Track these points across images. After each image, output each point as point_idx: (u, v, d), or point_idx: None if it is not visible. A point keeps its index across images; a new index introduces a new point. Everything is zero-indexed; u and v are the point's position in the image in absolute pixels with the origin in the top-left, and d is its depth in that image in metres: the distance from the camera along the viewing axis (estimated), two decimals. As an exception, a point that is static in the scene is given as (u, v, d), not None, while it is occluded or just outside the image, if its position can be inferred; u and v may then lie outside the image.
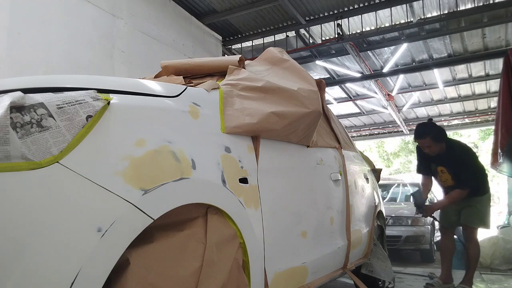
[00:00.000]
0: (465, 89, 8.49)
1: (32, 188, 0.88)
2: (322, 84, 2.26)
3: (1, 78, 2.67)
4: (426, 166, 3.53)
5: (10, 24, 3.07)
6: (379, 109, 9.52)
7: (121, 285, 0.98)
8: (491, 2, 5.10)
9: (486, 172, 3.48)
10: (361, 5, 5.27)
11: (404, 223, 5.90)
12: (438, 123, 3.67)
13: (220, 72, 1.92)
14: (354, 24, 5.75)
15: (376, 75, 7.04)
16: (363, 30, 5.76)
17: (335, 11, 5.43)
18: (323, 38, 6.08)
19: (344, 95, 8.71)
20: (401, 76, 7.59)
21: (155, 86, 1.37)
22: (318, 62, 6.70)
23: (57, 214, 0.89)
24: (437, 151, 3.30)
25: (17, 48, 3.10)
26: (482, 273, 4.47)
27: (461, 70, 7.44)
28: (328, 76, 7.43)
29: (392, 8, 5.29)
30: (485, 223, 3.35)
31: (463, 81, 7.84)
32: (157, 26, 4.70)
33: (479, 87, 8.33)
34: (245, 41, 6.30)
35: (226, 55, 6.16)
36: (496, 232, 5.82)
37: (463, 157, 3.29)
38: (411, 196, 3.57)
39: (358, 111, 9.92)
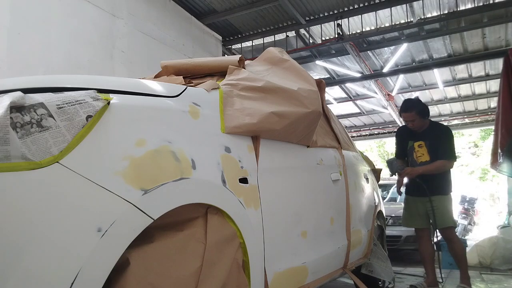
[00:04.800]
0: (465, 89, 8.48)
1: (32, 188, 0.88)
2: (322, 84, 2.26)
3: (1, 78, 2.67)
4: (403, 148, 3.56)
5: (10, 24, 3.07)
6: (379, 109, 9.52)
7: (121, 285, 0.98)
8: (491, 2, 5.10)
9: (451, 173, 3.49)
10: (361, 5, 5.27)
11: (404, 223, 5.89)
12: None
13: (220, 72, 1.92)
14: (354, 24, 5.75)
15: (376, 75, 7.04)
16: (363, 30, 5.76)
17: (335, 11, 5.43)
18: (323, 38, 6.08)
19: (344, 95, 8.71)
20: (401, 76, 7.59)
21: (155, 86, 1.37)
22: (318, 62, 6.71)
23: (57, 214, 0.89)
24: (420, 126, 3.37)
25: (17, 48, 3.10)
26: (482, 273, 4.46)
27: (461, 70, 7.44)
28: (328, 76, 7.43)
29: (392, 8, 5.29)
30: (455, 221, 3.42)
31: (463, 81, 7.84)
32: (157, 26, 4.70)
33: (479, 87, 8.32)
34: (245, 41, 6.30)
35: (226, 55, 6.16)
36: (496, 232, 5.82)
37: (447, 133, 3.36)
38: (387, 164, 3.58)
39: (358, 111, 9.92)
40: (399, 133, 3.71)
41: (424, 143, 3.38)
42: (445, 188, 3.36)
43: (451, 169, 3.41)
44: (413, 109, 3.34)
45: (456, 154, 3.37)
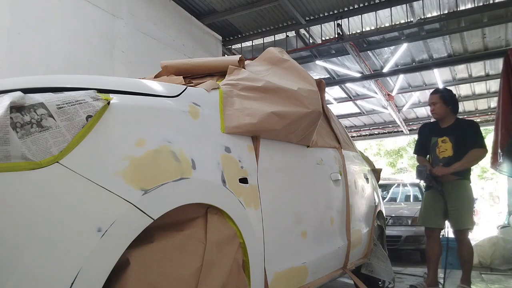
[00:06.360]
0: (465, 89, 8.49)
1: (32, 188, 0.88)
2: (322, 84, 2.26)
3: (1, 78, 2.67)
4: (426, 146, 3.52)
5: (10, 24, 3.07)
6: (379, 109, 9.52)
7: (121, 285, 0.98)
8: (491, 2, 5.10)
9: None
10: (361, 5, 5.27)
11: (404, 223, 5.90)
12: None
13: (220, 72, 1.92)
14: (354, 24, 5.75)
15: (376, 75, 7.04)
16: (363, 30, 5.76)
17: (335, 11, 5.43)
18: (323, 38, 6.08)
19: (344, 95, 8.71)
20: (401, 76, 7.58)
21: (155, 86, 1.37)
22: (318, 62, 6.70)
23: (57, 214, 0.89)
24: (441, 113, 3.36)
25: (17, 48, 3.10)
26: (482, 273, 4.46)
27: (461, 70, 7.44)
28: (328, 76, 7.43)
29: (392, 8, 5.29)
30: (473, 223, 3.38)
31: (463, 81, 7.84)
32: (157, 26, 4.70)
33: (479, 87, 8.33)
34: (245, 41, 6.30)
35: (226, 55, 6.16)
36: (496, 232, 5.82)
37: (472, 125, 3.34)
38: (416, 172, 3.46)
39: (358, 111, 9.92)
40: (422, 131, 3.65)
41: (448, 138, 3.35)
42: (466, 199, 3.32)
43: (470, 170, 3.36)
44: (438, 92, 3.41)
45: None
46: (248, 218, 1.43)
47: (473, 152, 3.21)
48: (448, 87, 8.03)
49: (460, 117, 3.50)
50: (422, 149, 3.56)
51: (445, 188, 3.30)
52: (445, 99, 3.34)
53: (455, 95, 3.50)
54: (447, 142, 3.35)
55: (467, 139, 3.25)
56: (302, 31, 6.05)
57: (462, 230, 3.30)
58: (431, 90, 3.64)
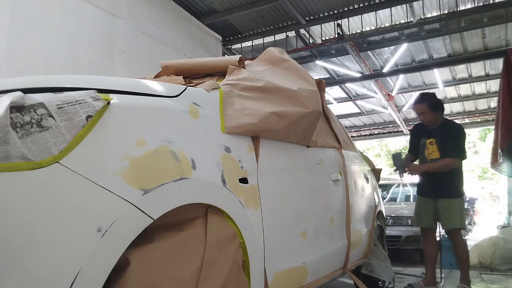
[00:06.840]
0: (465, 89, 8.49)
1: (32, 188, 0.88)
2: (322, 84, 2.26)
3: (1, 78, 2.67)
4: (416, 146, 3.55)
5: (10, 24, 3.07)
6: (379, 109, 9.52)
7: (121, 285, 0.98)
8: (491, 2, 5.10)
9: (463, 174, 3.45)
10: (361, 5, 5.27)
11: (404, 223, 5.90)
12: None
13: (220, 72, 1.92)
14: (354, 24, 5.75)
15: (376, 75, 7.04)
16: (363, 30, 5.76)
17: (335, 11, 5.44)
18: (323, 38, 6.08)
19: (344, 95, 8.71)
20: (401, 76, 7.59)
21: (155, 86, 1.37)
22: (318, 62, 6.71)
23: (57, 214, 0.89)
24: (431, 120, 3.36)
25: (17, 48, 3.10)
26: (482, 273, 4.46)
27: (461, 70, 7.44)
28: (328, 76, 7.43)
29: (392, 8, 5.29)
30: (463, 223, 3.38)
31: (463, 81, 7.85)
32: (157, 26, 4.70)
33: (479, 87, 8.33)
34: (245, 41, 6.30)
35: (226, 55, 6.16)
36: (496, 232, 5.82)
37: (456, 131, 3.33)
38: (392, 158, 3.61)
39: (358, 111, 9.93)
40: (413, 131, 3.72)
41: (435, 140, 3.37)
42: (454, 191, 3.32)
43: (462, 171, 3.37)
44: (425, 101, 3.37)
45: (465, 153, 3.30)
46: (248, 218, 1.43)
47: (444, 160, 3.26)
48: (448, 87, 8.11)
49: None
50: (412, 149, 3.62)
51: (436, 191, 3.31)
52: (433, 107, 3.35)
53: (437, 97, 3.50)
54: (434, 144, 3.39)
55: (447, 145, 3.28)
56: (302, 31, 6.05)
57: (453, 229, 3.31)
58: (431, 91, 3.65)
